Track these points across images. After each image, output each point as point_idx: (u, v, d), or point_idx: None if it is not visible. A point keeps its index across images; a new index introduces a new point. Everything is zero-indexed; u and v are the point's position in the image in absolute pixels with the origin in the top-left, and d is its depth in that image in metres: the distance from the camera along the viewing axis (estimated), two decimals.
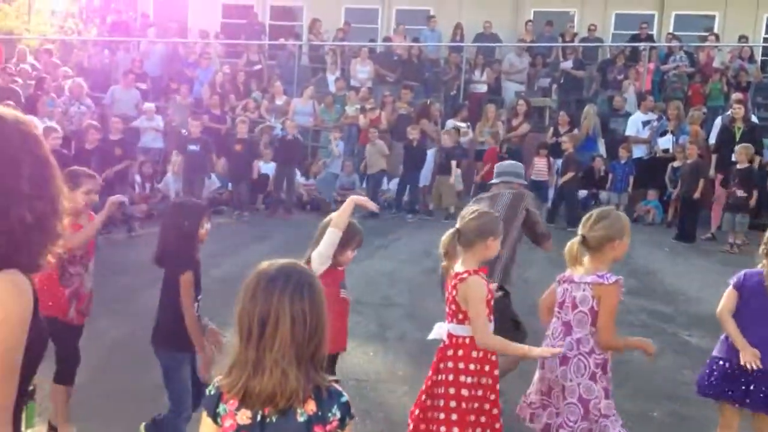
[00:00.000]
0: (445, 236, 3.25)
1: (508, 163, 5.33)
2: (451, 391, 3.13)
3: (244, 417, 1.76)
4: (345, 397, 1.79)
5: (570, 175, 10.63)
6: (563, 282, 3.34)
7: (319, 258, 3.41)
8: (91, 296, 3.88)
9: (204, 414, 1.83)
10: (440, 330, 3.26)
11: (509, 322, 4.36)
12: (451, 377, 3.14)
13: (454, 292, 3.14)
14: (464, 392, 3.11)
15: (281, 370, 1.69)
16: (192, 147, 10.19)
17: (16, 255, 1.52)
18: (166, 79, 14.02)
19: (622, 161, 11.31)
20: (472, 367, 3.12)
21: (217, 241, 8.85)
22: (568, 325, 3.27)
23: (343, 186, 11.88)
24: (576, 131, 11.62)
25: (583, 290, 3.22)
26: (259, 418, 1.75)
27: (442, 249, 3.25)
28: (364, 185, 11.67)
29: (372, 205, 3.83)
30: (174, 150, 10.92)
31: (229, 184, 11.31)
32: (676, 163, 10.79)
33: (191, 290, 3.43)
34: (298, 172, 11.67)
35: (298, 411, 1.74)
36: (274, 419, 1.74)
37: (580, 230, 3.28)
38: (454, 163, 10.94)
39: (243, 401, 1.75)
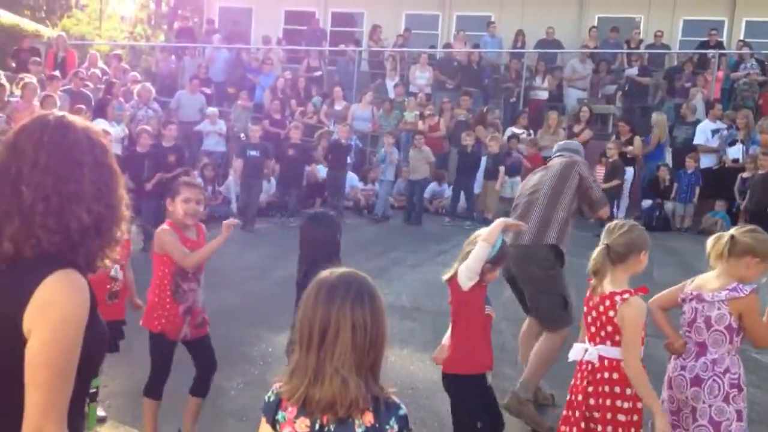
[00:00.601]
0: (596, 254, 3.11)
1: (565, 141, 5.34)
2: (608, 416, 3.03)
3: (302, 425, 1.75)
4: (403, 410, 1.77)
5: (615, 183, 10.41)
6: (690, 300, 3.19)
7: (468, 272, 3.32)
8: (203, 310, 3.84)
9: (263, 420, 1.84)
10: (586, 352, 3.13)
11: (558, 297, 4.43)
12: (608, 402, 3.04)
13: (611, 313, 3.02)
14: (621, 417, 3.02)
15: (341, 377, 1.68)
16: (251, 152, 10.33)
17: (72, 255, 1.57)
18: (229, 84, 14.32)
19: (689, 171, 10.97)
20: (628, 391, 3.01)
21: (270, 246, 9.05)
22: (703, 346, 3.13)
23: (400, 192, 11.90)
24: (637, 139, 11.35)
25: (719, 309, 3.08)
26: (317, 426, 1.74)
27: (593, 267, 3.12)
28: (402, 190, 11.68)
29: (523, 225, 4.03)
30: (235, 154, 11.09)
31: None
32: (745, 174, 10.40)
33: None
34: (355, 177, 11.72)
35: (356, 422, 1.72)
36: (332, 428, 1.73)
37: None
38: (502, 169, 10.80)
39: (302, 409, 1.75)
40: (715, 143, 11.24)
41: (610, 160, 10.62)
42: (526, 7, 15.89)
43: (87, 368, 1.59)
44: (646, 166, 11.70)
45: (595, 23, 15.44)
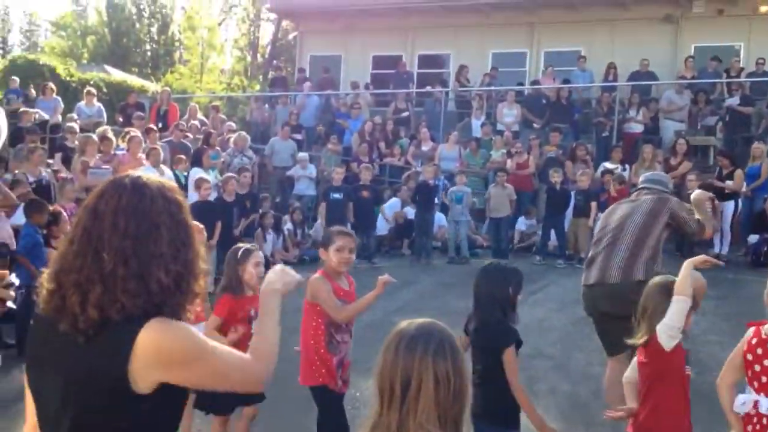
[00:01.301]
0: None
1: (651, 173, 5.27)
2: None
3: None
4: None
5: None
6: None
7: (670, 331, 2.99)
8: (350, 364, 3.81)
9: None
10: (758, 404, 2.91)
11: None
12: None
13: None
14: None
15: None
16: (334, 195, 10.48)
17: (156, 313, 1.62)
18: (319, 130, 14.73)
19: None
20: None
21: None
22: None
23: (487, 231, 11.78)
24: (738, 172, 10.74)
25: None
26: None
27: None
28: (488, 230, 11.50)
29: (715, 262, 3.61)
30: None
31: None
32: None
33: (517, 366, 3.40)
34: (443, 217, 11.68)
35: None
36: None
37: None
38: (593, 204, 10.44)
39: None
40: None
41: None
42: (617, 40, 15.58)
43: (179, 400, 1.69)
44: (753, 200, 11.04)
45: (692, 53, 14.91)
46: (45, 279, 1.67)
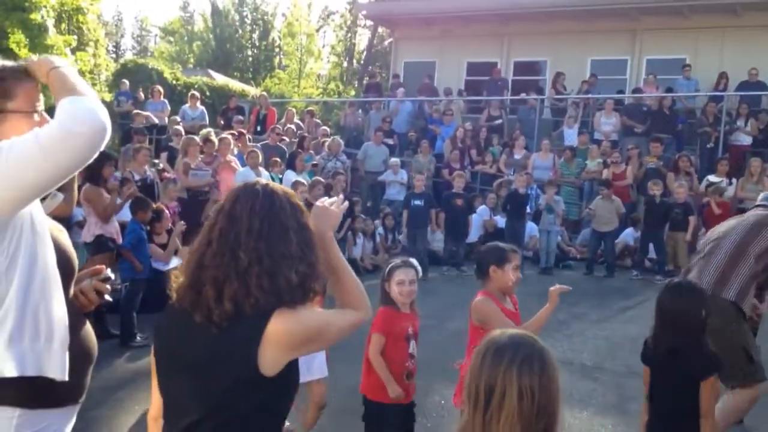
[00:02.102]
0: None
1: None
2: None
3: None
4: None
5: None
6: None
7: None
8: None
9: None
10: None
11: (741, 351, 4.07)
12: None
13: None
14: None
15: None
16: (416, 201, 10.45)
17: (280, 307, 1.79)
18: (412, 135, 14.79)
19: None
20: None
21: (444, 296, 9.04)
22: None
23: (584, 242, 11.46)
24: None
25: None
26: None
27: None
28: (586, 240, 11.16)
29: None
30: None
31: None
32: None
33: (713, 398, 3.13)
34: (535, 227, 11.47)
35: None
36: None
37: None
38: (692, 218, 9.95)
39: None
40: None
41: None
42: (726, 48, 14.84)
43: (294, 381, 1.86)
44: None
45: None
46: (179, 275, 1.86)
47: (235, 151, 10.93)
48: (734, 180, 11.10)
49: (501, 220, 11.38)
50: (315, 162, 11.83)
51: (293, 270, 1.78)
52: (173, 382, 1.84)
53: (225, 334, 1.73)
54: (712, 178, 11.10)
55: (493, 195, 11.89)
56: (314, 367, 4.13)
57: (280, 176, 10.65)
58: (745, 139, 12.66)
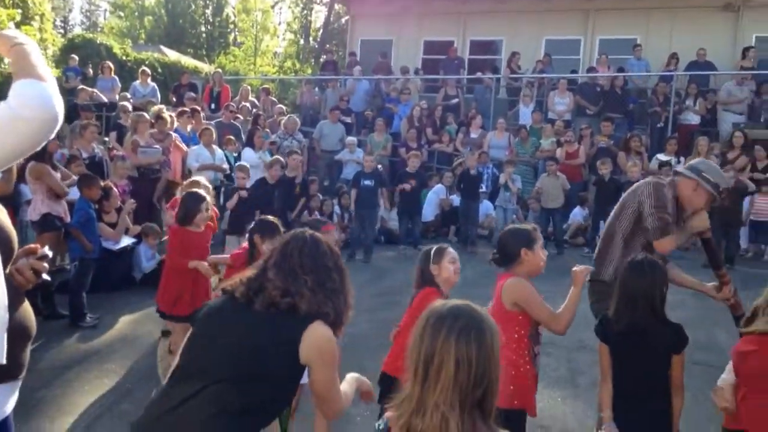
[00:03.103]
0: None
1: (697, 159, 4.57)
2: None
3: None
4: None
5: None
6: None
7: None
8: None
9: None
10: None
11: None
12: None
13: None
14: None
15: (441, 413, 1.63)
16: (366, 181, 10.35)
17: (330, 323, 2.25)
18: (368, 114, 14.72)
19: None
20: None
21: (400, 273, 9.07)
22: None
23: (536, 221, 11.60)
24: None
25: None
26: None
27: None
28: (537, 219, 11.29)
29: None
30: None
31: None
32: None
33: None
34: (491, 205, 11.58)
35: None
36: None
37: None
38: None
39: None
40: None
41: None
42: (675, 28, 15.12)
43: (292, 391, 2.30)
44: None
45: (753, 43, 14.38)
46: (241, 277, 2.32)
47: (188, 128, 10.73)
48: (683, 158, 11.37)
49: (457, 199, 11.47)
50: (273, 140, 11.68)
51: (343, 299, 2.31)
52: (209, 351, 2.17)
53: (280, 320, 2.17)
54: (661, 157, 11.36)
55: (449, 174, 11.95)
56: None
57: (235, 154, 10.51)
58: (694, 119, 12.96)
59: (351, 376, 2.59)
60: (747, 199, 10.42)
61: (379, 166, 11.50)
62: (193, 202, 4.93)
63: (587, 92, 13.73)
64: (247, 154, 10.62)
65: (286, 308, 2.17)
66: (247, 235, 4.68)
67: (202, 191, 5.19)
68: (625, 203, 4.05)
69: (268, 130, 12.11)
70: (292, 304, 2.18)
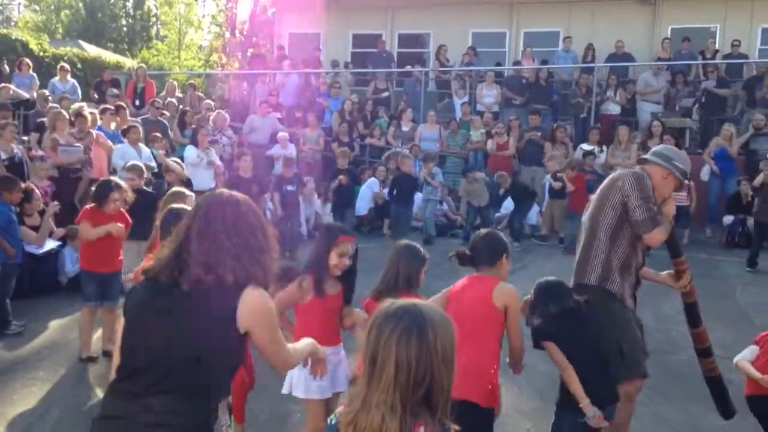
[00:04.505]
0: None
1: (662, 146, 4.48)
2: None
3: None
4: None
5: None
6: None
7: None
8: None
9: None
10: None
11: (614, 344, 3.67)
12: None
13: None
14: None
15: (381, 414, 1.66)
16: (288, 187, 10.21)
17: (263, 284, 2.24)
18: (299, 109, 14.61)
19: None
20: None
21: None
22: None
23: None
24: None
25: None
26: None
27: None
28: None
29: None
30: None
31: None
32: None
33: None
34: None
35: None
36: None
37: None
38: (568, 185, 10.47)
39: None
40: None
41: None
42: (596, 21, 15.62)
43: (239, 361, 2.29)
44: (728, 181, 11.21)
45: (668, 34, 15.01)
46: (159, 257, 2.23)
47: (112, 126, 10.40)
48: (605, 148, 11.79)
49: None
50: (213, 138, 11.37)
51: (267, 257, 2.25)
52: (148, 342, 2.13)
53: (210, 296, 2.12)
54: (585, 146, 11.73)
55: (382, 168, 12.01)
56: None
57: (161, 152, 10.23)
58: (615, 109, 13.45)
59: (307, 341, 2.59)
60: None
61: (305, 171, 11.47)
62: (106, 188, 5.53)
63: (513, 84, 14.04)
64: (189, 152, 10.29)
65: (213, 282, 2.13)
66: None
67: (181, 204, 4.74)
68: (605, 197, 3.78)
69: (193, 126, 11.80)
70: (219, 276, 2.13)
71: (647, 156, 3.97)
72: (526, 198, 10.92)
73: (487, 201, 10.93)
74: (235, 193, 2.31)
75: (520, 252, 9.96)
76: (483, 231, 3.68)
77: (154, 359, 2.12)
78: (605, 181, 3.89)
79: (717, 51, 14.27)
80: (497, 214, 11.39)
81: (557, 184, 10.44)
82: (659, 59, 14.15)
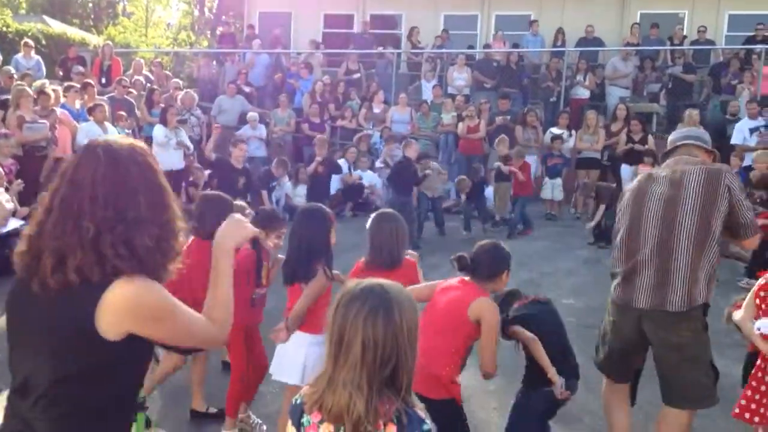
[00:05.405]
0: None
1: (689, 128, 4.19)
2: None
3: (326, 430, 1.75)
4: (427, 425, 1.73)
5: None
6: None
7: None
8: None
9: (289, 423, 1.85)
10: None
11: (707, 367, 3.40)
12: None
13: None
14: None
15: (349, 393, 1.68)
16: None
17: (140, 272, 1.72)
18: (269, 89, 14.47)
19: (734, 170, 10.66)
20: None
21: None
22: None
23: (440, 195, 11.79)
24: (650, 138, 11.11)
25: None
26: None
27: None
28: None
29: None
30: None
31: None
32: None
33: None
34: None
35: None
36: None
37: None
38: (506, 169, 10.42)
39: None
40: (753, 142, 10.87)
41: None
42: (567, 5, 15.70)
43: (134, 376, 1.82)
44: None
45: (638, 20, 15.16)
46: (21, 243, 1.75)
47: (77, 104, 10.20)
48: (574, 132, 11.90)
49: (362, 173, 11.52)
50: (183, 117, 11.19)
51: (147, 234, 1.72)
52: (19, 355, 1.76)
53: (62, 302, 1.66)
54: (554, 130, 11.83)
55: (353, 149, 11.96)
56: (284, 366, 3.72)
57: (128, 131, 10.07)
58: (584, 93, 13.57)
59: (221, 239, 1.97)
60: (629, 169, 11.03)
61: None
62: None
63: (484, 67, 14.07)
64: (157, 131, 10.07)
65: (65, 281, 1.65)
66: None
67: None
68: (711, 192, 3.20)
69: (162, 105, 11.62)
70: (72, 270, 1.64)
71: (689, 141, 3.51)
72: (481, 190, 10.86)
73: (441, 193, 10.84)
74: (120, 140, 1.79)
75: (469, 240, 10.03)
76: (488, 242, 3.50)
77: (29, 377, 1.70)
78: (701, 172, 3.26)
79: (685, 37, 14.45)
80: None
81: (506, 168, 10.43)
82: (628, 44, 14.29)
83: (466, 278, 3.41)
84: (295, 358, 3.60)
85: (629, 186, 3.63)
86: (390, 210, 3.90)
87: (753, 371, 3.59)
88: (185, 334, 1.80)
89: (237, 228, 2.01)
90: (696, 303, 3.24)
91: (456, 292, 3.34)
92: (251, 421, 4.28)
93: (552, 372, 3.45)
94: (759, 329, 3.45)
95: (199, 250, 3.35)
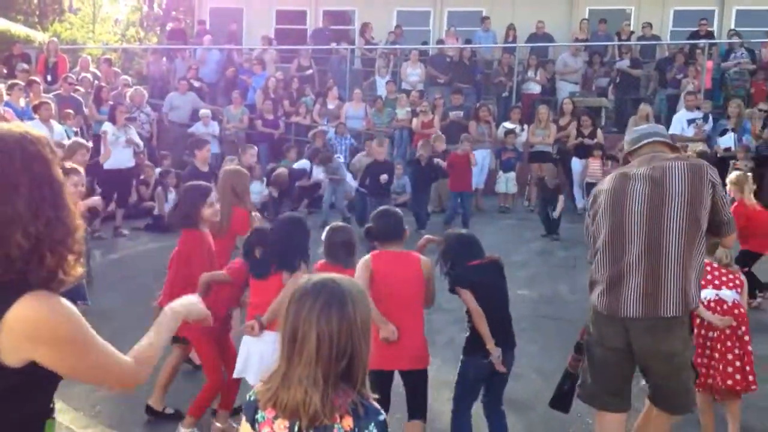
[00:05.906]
0: None
1: (648, 125, 4.09)
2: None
3: (281, 426, 1.75)
4: (383, 416, 1.75)
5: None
6: None
7: None
8: None
9: (243, 419, 1.84)
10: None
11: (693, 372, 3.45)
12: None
13: None
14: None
15: (304, 388, 1.68)
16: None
17: (28, 278, 1.52)
18: (221, 85, 14.29)
19: None
20: None
21: None
22: None
23: (394, 190, 11.80)
24: (599, 132, 11.45)
25: None
26: (296, 429, 1.73)
27: None
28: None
29: None
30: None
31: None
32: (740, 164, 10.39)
33: None
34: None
35: (336, 427, 1.71)
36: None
37: None
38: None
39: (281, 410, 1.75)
40: (690, 132, 11.22)
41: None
42: (518, 1, 15.90)
43: (49, 382, 1.64)
44: None
45: (586, 15, 15.45)
46: None
47: (22, 103, 9.91)
48: (526, 126, 12.08)
49: (317, 170, 11.45)
50: (132, 115, 10.95)
51: (22, 233, 1.48)
52: None
53: None
54: (507, 125, 11.99)
55: (309, 145, 11.90)
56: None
57: (75, 129, 9.83)
58: (535, 88, 13.77)
59: (176, 305, 1.99)
60: (580, 162, 11.26)
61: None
62: None
63: (438, 63, 14.17)
64: (107, 129, 9.81)
65: None
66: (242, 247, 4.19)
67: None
68: (697, 187, 3.08)
69: (111, 103, 11.38)
70: None
71: (659, 138, 3.37)
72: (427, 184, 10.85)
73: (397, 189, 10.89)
74: (12, 127, 1.58)
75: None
76: (382, 208, 3.95)
77: None
78: (684, 168, 3.12)
79: (632, 32, 14.78)
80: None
81: (443, 164, 10.48)
82: (577, 40, 14.55)
83: (384, 249, 3.77)
84: (267, 358, 3.69)
85: (601, 187, 3.39)
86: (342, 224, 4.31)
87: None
88: (99, 370, 1.62)
89: (195, 305, 2.09)
90: (690, 307, 3.15)
91: (402, 265, 3.73)
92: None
93: (491, 344, 3.67)
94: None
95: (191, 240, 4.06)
